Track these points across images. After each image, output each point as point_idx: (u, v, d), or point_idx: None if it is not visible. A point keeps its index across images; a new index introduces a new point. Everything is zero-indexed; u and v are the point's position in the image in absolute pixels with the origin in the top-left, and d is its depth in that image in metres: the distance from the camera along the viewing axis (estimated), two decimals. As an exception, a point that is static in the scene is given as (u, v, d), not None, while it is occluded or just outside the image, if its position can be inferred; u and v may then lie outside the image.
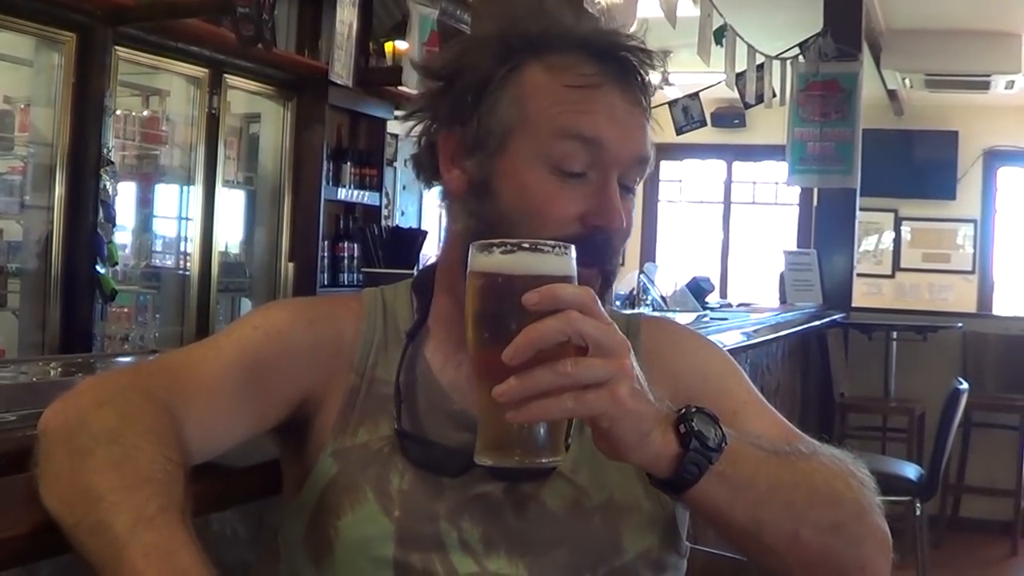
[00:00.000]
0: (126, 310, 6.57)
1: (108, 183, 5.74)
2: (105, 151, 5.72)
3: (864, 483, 1.51)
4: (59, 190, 5.65)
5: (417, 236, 4.81)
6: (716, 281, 9.88)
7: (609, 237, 1.52)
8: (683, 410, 1.36)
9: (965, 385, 5.58)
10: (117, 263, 6.00)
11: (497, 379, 1.23)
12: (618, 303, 6.10)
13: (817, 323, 7.36)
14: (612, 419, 1.28)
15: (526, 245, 1.28)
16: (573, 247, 1.29)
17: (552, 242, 1.29)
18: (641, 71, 1.57)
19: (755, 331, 5.58)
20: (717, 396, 1.61)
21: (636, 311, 1.64)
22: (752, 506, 1.40)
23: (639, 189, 1.69)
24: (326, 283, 7.34)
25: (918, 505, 5.50)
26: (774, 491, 1.41)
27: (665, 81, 1.67)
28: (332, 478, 1.55)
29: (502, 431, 1.26)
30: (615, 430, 1.29)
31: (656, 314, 5.32)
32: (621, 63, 1.55)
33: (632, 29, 1.63)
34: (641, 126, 1.56)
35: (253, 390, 1.55)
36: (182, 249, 7.05)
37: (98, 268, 5.66)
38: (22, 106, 6.04)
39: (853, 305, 8.31)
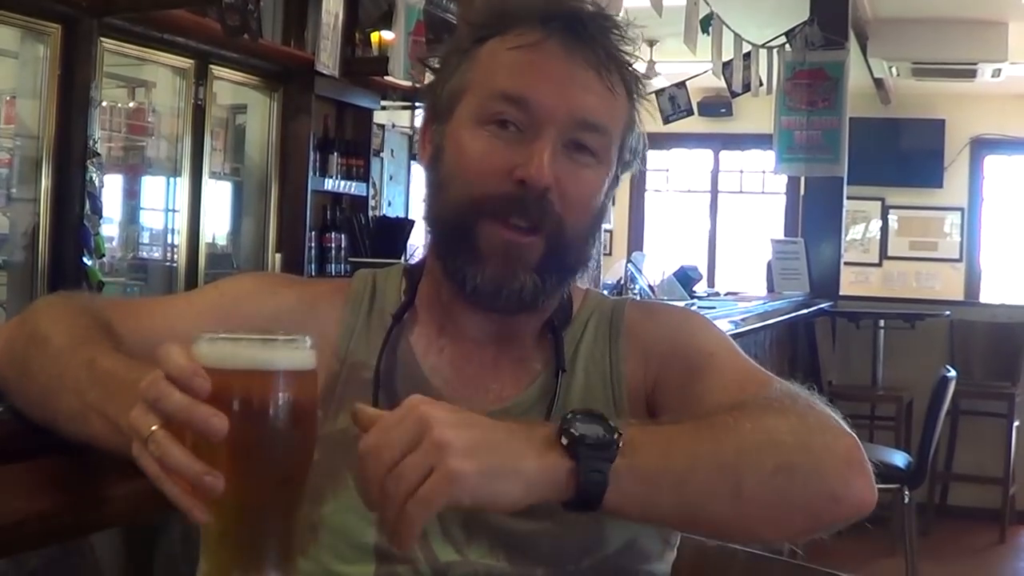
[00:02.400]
0: (113, 301, 6.54)
1: (95, 175, 5.72)
2: (91, 143, 5.70)
3: (808, 410, 1.40)
4: (45, 182, 5.63)
5: (404, 226, 4.81)
6: (704, 270, 9.89)
7: (543, 197, 1.50)
8: (561, 421, 1.26)
9: (953, 373, 5.59)
10: (104, 255, 5.98)
11: (228, 503, 1.12)
12: (606, 292, 6.09)
13: (805, 312, 7.37)
14: (470, 495, 1.19)
15: (254, 336, 1.18)
16: (309, 339, 1.20)
17: (285, 335, 1.19)
18: (595, 33, 1.56)
19: (743, 320, 5.59)
20: (684, 355, 1.59)
21: (624, 298, 1.63)
22: (677, 486, 1.29)
23: (626, 177, 1.69)
24: (313, 274, 7.30)
25: (906, 493, 5.51)
26: (696, 459, 1.30)
27: (651, 70, 1.66)
28: (313, 465, 1.54)
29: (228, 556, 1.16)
30: (482, 499, 1.20)
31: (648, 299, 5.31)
32: (566, 23, 1.55)
33: (619, 16, 1.63)
34: (588, 88, 1.54)
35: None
36: (169, 241, 7.04)
37: (85, 260, 5.64)
38: (7, 98, 6.03)
39: (841, 294, 8.32)
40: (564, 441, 1.24)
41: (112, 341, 1.48)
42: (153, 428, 1.15)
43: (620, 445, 1.25)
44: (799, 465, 1.33)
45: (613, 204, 1.66)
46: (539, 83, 1.52)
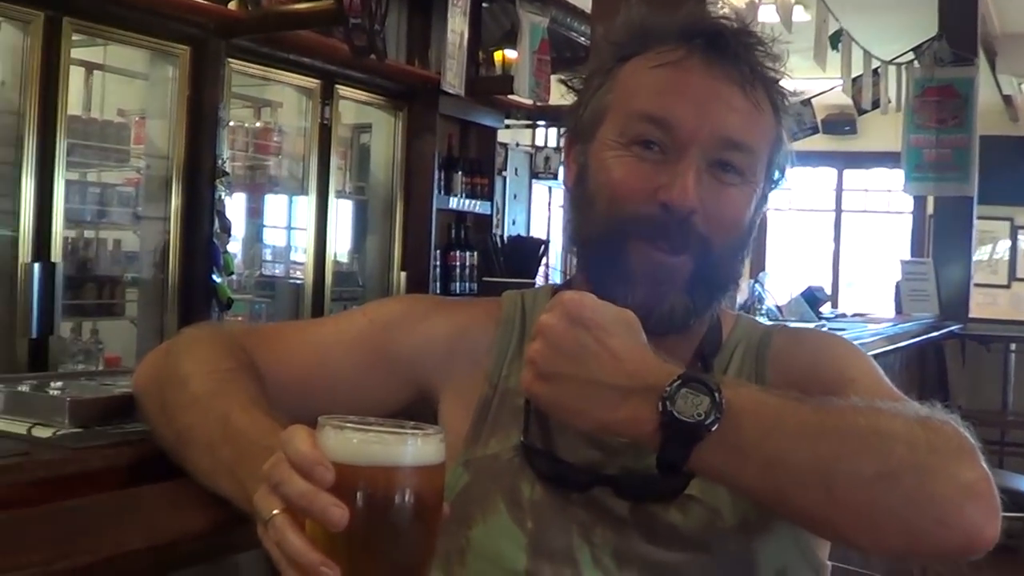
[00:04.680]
0: (240, 318, 6.61)
1: (223, 194, 5.80)
2: (220, 162, 5.78)
3: (936, 433, 1.27)
4: (175, 201, 5.71)
5: (539, 246, 4.78)
6: (827, 290, 9.76)
7: (686, 219, 1.46)
8: (670, 384, 1.25)
9: (1091, 398, 5.45)
10: (232, 273, 6.05)
11: None
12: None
13: (934, 334, 7.22)
14: (543, 407, 1.32)
15: (381, 428, 1.15)
16: (439, 430, 1.17)
17: (414, 425, 1.17)
18: (738, 50, 1.51)
19: (872, 342, 5.48)
20: (824, 380, 1.49)
21: (774, 324, 1.57)
22: (766, 468, 1.24)
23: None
24: (438, 292, 7.34)
25: (1040, 522, 5.37)
26: (795, 446, 1.24)
27: (782, 74, 1.59)
28: (463, 488, 1.53)
29: None
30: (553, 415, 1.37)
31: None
32: (708, 40, 1.51)
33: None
34: (732, 105, 1.50)
35: (344, 371, 1.60)
36: (292, 258, 7.11)
37: (214, 278, 5.71)
38: (137, 118, 6.11)
39: (970, 316, 8.15)
40: (659, 408, 1.24)
41: (256, 385, 1.47)
42: (275, 512, 1.13)
43: (716, 426, 1.24)
44: (904, 479, 1.23)
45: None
46: (681, 103, 1.48)
